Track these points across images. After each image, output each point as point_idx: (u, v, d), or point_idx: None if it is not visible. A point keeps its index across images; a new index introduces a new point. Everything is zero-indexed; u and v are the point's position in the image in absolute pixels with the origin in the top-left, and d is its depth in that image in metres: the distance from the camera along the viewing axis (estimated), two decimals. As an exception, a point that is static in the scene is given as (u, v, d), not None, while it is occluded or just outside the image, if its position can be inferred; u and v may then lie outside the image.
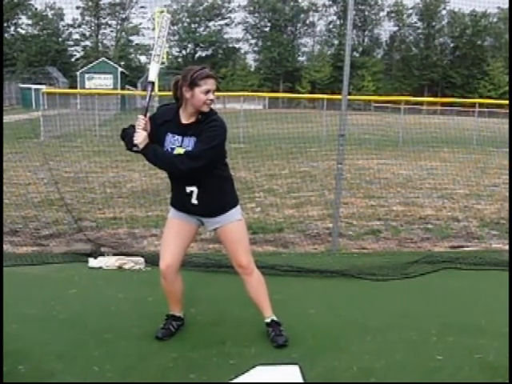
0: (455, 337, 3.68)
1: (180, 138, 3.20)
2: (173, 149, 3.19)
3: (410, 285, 4.80)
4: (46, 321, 3.79)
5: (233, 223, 3.38)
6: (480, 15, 74.47)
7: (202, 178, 3.24)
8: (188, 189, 3.28)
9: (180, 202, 3.38)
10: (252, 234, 6.17)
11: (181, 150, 3.17)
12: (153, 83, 3.32)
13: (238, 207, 3.44)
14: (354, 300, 4.41)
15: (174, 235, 3.42)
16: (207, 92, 3.13)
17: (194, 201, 3.30)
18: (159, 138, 3.23)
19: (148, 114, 3.24)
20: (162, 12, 3.31)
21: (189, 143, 3.17)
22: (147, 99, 3.31)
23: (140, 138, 3.13)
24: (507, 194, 9.61)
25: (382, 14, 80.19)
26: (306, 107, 49.41)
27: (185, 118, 3.23)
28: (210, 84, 3.15)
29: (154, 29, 50.03)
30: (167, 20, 3.37)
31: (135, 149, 3.16)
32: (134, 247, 5.77)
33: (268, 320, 3.56)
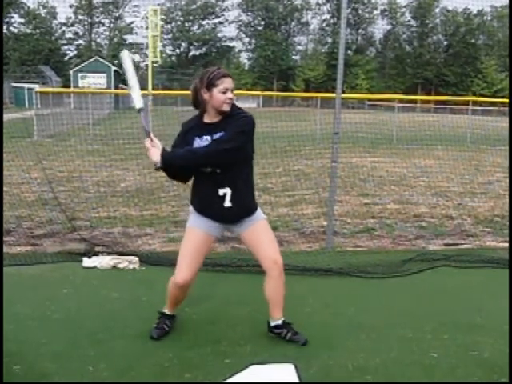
0: (450, 334, 3.69)
1: (209, 137, 3.17)
2: None
3: (405, 282, 4.81)
4: (41, 321, 3.77)
5: (263, 221, 3.40)
6: (474, 13, 74.75)
7: (236, 178, 3.21)
8: (221, 191, 3.21)
9: (210, 207, 3.27)
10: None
11: None
12: (142, 109, 3.26)
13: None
14: (349, 298, 4.41)
15: (195, 249, 3.32)
16: (225, 91, 3.12)
17: (228, 203, 3.22)
18: (188, 145, 3.20)
19: (151, 134, 3.19)
20: (121, 51, 3.31)
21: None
22: (144, 123, 3.24)
23: (155, 155, 3.11)
24: (501, 192, 9.66)
25: (375, 12, 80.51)
26: (300, 105, 49.38)
27: (209, 120, 3.22)
28: (227, 83, 3.14)
29: (147, 27, 49.89)
30: (128, 56, 3.34)
31: (157, 166, 3.13)
32: (129, 246, 5.74)
33: (279, 322, 3.50)
